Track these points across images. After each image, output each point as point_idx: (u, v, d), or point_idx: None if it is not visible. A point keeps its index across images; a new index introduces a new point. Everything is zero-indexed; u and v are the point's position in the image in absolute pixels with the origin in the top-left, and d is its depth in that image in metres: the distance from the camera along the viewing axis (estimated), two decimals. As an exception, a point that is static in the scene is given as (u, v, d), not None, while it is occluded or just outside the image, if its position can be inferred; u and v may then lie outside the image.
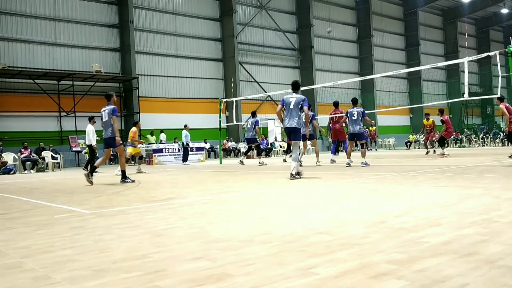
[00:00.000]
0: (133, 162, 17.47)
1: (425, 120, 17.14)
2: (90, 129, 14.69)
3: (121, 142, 9.37)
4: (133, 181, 9.34)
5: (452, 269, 2.22)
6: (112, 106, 9.21)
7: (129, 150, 14.19)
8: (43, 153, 18.97)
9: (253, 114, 14.89)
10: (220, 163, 18.00)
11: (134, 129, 14.21)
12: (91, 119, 15.26)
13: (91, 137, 14.72)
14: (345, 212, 4.23)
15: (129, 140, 14.18)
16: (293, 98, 8.28)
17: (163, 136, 23.78)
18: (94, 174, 9.69)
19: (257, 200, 5.51)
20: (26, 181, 11.92)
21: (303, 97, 8.31)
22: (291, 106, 8.21)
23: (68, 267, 2.59)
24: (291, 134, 8.35)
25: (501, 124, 45.08)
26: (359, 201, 4.92)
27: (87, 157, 20.40)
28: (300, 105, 8.22)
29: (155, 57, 26.41)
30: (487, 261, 2.32)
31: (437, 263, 2.32)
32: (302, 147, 10.28)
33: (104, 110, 9.29)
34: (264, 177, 9.50)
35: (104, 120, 9.29)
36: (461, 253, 2.50)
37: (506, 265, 2.24)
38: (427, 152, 16.76)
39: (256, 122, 14.56)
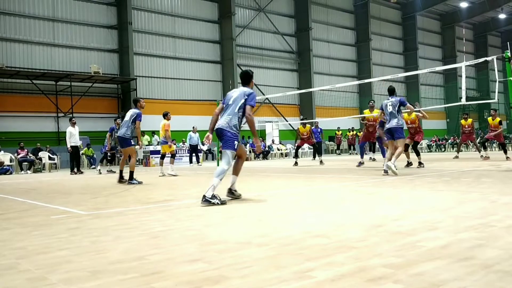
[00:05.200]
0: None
1: (463, 120, 15.78)
2: (69, 130, 14.71)
3: (137, 146, 9.60)
4: (140, 182, 9.20)
5: (449, 273, 2.22)
6: (138, 111, 9.52)
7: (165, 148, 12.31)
8: (40, 154, 18.93)
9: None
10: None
11: (166, 121, 12.08)
12: (71, 120, 15.30)
13: (76, 138, 14.76)
14: (342, 215, 4.23)
15: (161, 136, 12.25)
16: (236, 91, 5.91)
17: (156, 138, 23.55)
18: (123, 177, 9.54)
19: (254, 202, 5.50)
20: (23, 181, 11.88)
21: (250, 90, 5.82)
22: (230, 102, 5.79)
23: (64, 268, 2.58)
24: (219, 138, 5.79)
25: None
26: (357, 205, 4.92)
27: (84, 158, 20.55)
28: (242, 102, 5.70)
29: (153, 59, 26.41)
30: (483, 266, 2.32)
31: (434, 267, 2.33)
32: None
33: (129, 112, 9.71)
34: (261, 179, 9.50)
35: (125, 119, 9.64)
36: (458, 258, 2.50)
37: (502, 270, 2.24)
38: (456, 157, 15.54)
39: None
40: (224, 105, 5.88)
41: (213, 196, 5.27)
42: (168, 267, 2.53)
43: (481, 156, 14.57)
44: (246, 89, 5.81)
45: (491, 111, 15.22)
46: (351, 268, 2.37)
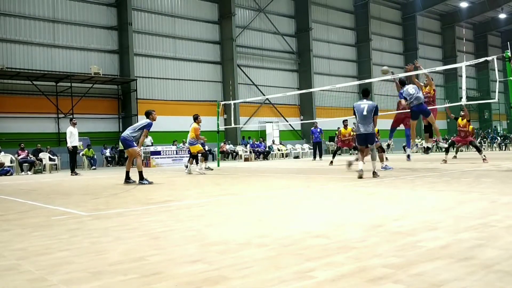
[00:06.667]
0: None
1: (460, 119, 14.38)
2: (70, 130, 14.73)
3: (138, 150, 9.77)
4: (150, 182, 9.32)
5: (449, 273, 2.22)
6: (150, 121, 9.93)
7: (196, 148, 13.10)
8: (41, 155, 18.93)
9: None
10: (218, 166, 17.99)
11: (196, 125, 13.12)
12: (71, 120, 15.32)
13: (76, 138, 14.79)
14: (342, 215, 4.23)
15: (191, 138, 13.00)
16: (365, 105, 8.73)
17: (150, 139, 23.39)
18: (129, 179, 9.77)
19: (254, 203, 5.51)
20: (23, 182, 11.88)
21: (374, 104, 8.74)
22: (364, 113, 8.68)
23: (65, 269, 2.59)
24: (368, 139, 8.79)
25: (499, 129, 45.21)
26: (357, 205, 4.93)
27: (85, 159, 20.55)
28: (373, 112, 8.69)
29: (153, 59, 26.40)
30: (483, 266, 2.32)
31: (434, 267, 2.33)
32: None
33: (142, 120, 10.23)
34: (262, 179, 9.51)
35: (135, 124, 10.22)
36: (458, 258, 2.51)
37: (502, 270, 2.24)
38: (455, 156, 15.19)
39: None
40: (357, 114, 8.78)
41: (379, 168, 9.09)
42: (168, 268, 2.53)
43: (444, 160, 13.35)
44: (372, 102, 8.74)
45: (461, 111, 14.50)
46: (351, 268, 2.38)
